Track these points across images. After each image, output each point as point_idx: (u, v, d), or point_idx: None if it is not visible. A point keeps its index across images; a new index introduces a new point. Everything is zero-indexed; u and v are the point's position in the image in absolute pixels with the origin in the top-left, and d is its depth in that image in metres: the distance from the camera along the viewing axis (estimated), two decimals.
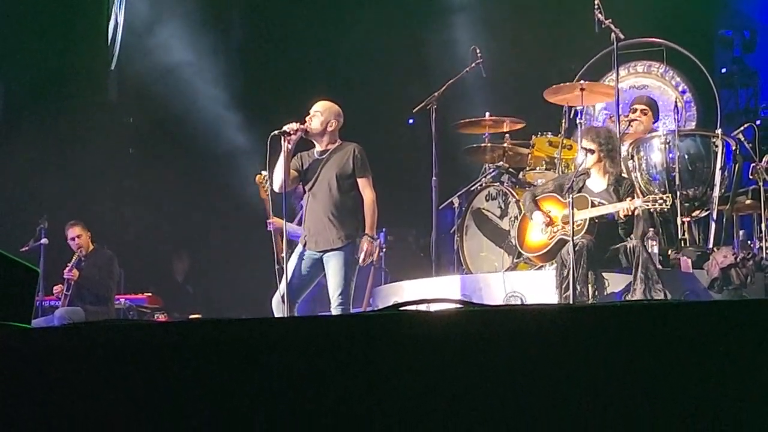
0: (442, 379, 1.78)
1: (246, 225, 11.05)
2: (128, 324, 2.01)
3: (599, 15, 8.32)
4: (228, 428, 1.84)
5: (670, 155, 7.85)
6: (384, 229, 10.06)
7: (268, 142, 6.81)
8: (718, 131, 8.04)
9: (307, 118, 7.07)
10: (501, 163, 8.80)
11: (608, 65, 9.01)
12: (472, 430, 1.75)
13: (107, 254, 10.17)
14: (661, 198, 6.87)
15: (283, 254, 6.90)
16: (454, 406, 1.77)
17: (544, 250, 7.32)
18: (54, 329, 2.52)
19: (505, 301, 7.34)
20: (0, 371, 1.92)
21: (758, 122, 9.35)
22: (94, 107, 12.19)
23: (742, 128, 8.19)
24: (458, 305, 2.03)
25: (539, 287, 7.31)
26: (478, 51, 8.99)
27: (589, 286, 6.81)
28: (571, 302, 6.56)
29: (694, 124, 9.21)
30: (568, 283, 6.70)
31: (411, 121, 11.37)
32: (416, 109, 8.75)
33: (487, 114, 9.01)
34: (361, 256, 6.91)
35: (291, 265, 7.01)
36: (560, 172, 8.18)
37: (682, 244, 7.76)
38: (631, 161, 8.11)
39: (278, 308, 6.89)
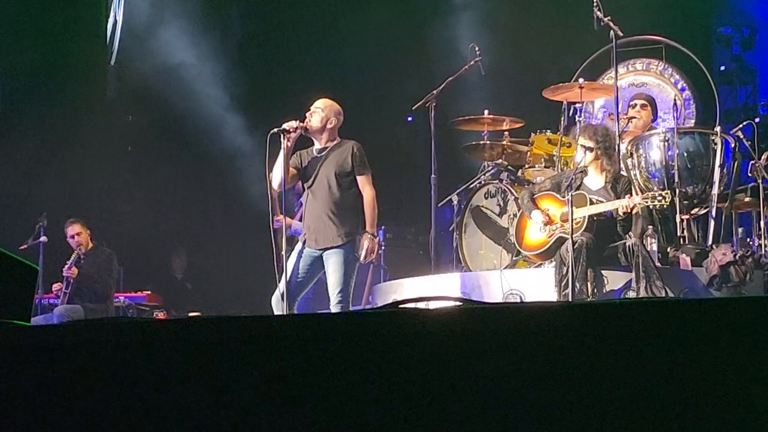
0: (441, 377, 1.78)
1: (245, 222, 11.07)
2: (127, 322, 2.00)
3: (598, 12, 8.32)
4: (227, 425, 1.84)
5: (669, 153, 7.86)
6: (383, 227, 10.05)
7: (267, 140, 6.80)
8: (717, 129, 8.04)
9: (307, 115, 7.07)
10: (500, 160, 8.80)
11: (607, 63, 9.01)
12: (472, 427, 1.75)
13: (106, 252, 10.17)
14: (660, 194, 6.87)
15: (283, 252, 6.90)
16: (454, 404, 1.77)
17: (543, 249, 7.32)
18: (53, 327, 2.52)
19: (504, 298, 7.33)
20: None
21: (757, 120, 9.36)
22: (93, 105, 12.18)
23: (741, 126, 8.19)
24: (457, 303, 2.03)
25: (538, 285, 7.31)
26: (477, 48, 8.99)
27: (588, 283, 6.82)
28: (570, 300, 6.56)
29: (693, 121, 9.21)
30: (568, 280, 6.70)
31: (410, 118, 11.38)
32: (415, 106, 8.75)
33: (486, 112, 9.02)
34: (362, 254, 6.91)
35: (291, 263, 7.00)
36: (559, 170, 8.18)
37: (681, 242, 7.76)
38: (630, 159, 8.12)
39: (278, 306, 6.89)
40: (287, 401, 1.83)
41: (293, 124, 6.88)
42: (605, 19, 8.32)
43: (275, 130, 6.85)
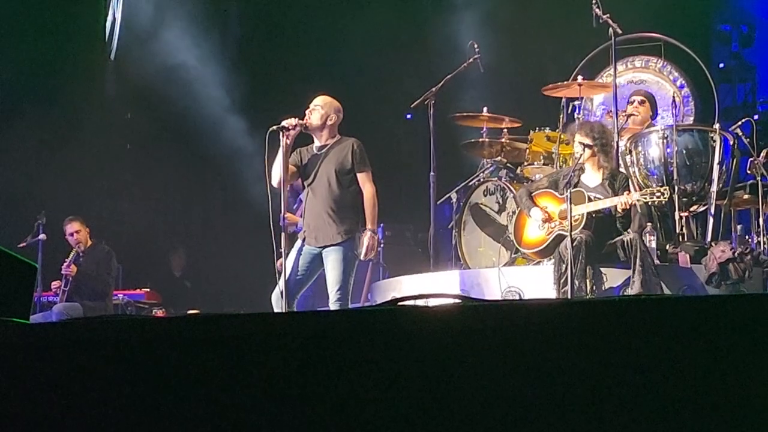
0: (441, 374, 1.78)
1: (244, 220, 11.06)
2: (126, 320, 2.00)
3: (597, 10, 8.32)
4: (226, 423, 1.84)
5: (668, 150, 7.86)
6: (382, 224, 10.05)
7: (266, 138, 6.80)
8: (716, 126, 8.04)
9: (306, 113, 7.06)
10: (499, 158, 8.81)
11: (606, 60, 9.01)
12: (471, 424, 1.75)
13: (105, 250, 10.17)
14: (659, 191, 6.87)
15: (282, 250, 6.89)
16: (453, 401, 1.77)
17: (542, 246, 7.32)
18: (52, 325, 2.52)
19: (503, 296, 7.33)
20: None
21: (756, 117, 9.38)
22: (92, 103, 12.17)
23: (740, 123, 8.18)
24: (456, 300, 2.03)
25: (537, 282, 7.31)
26: (476, 46, 8.99)
27: (587, 280, 6.82)
28: (569, 297, 6.56)
29: (692, 119, 9.21)
30: (567, 278, 6.70)
31: (409, 116, 11.37)
32: (414, 104, 8.75)
33: (485, 109, 9.02)
34: (363, 251, 6.91)
35: (290, 261, 7.01)
36: (558, 167, 8.19)
37: (680, 239, 7.76)
38: (629, 156, 8.12)
39: (277, 303, 6.89)
40: (286, 399, 1.83)
41: (292, 121, 6.88)
42: (604, 17, 8.32)
43: (274, 127, 6.84)
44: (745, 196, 8.22)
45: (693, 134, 8.02)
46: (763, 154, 7.87)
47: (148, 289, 11.14)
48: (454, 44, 10.61)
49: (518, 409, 1.75)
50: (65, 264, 9.82)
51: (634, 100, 8.67)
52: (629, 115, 8.53)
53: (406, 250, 10.76)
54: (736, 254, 7.11)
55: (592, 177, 7.30)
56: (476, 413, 1.75)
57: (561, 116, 8.78)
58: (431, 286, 7.76)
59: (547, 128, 8.78)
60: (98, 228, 10.58)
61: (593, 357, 1.74)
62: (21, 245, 9.97)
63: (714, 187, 7.89)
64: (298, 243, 7.09)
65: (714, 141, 7.89)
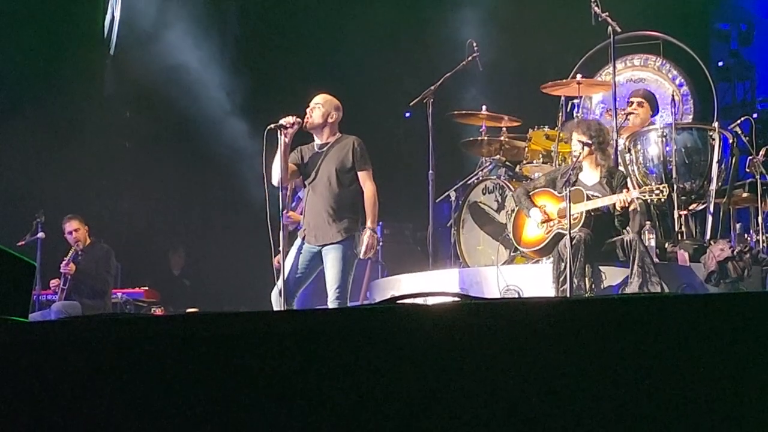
0: (439, 373, 1.78)
1: (243, 219, 11.06)
2: (125, 318, 2.00)
3: (596, 8, 8.33)
4: (225, 421, 1.84)
5: (667, 148, 7.86)
6: (380, 223, 10.06)
7: (264, 136, 6.80)
8: (715, 124, 8.04)
9: (307, 111, 7.06)
10: (498, 156, 8.81)
11: (605, 59, 9.01)
12: (470, 423, 1.75)
13: (104, 248, 10.17)
14: (658, 189, 6.87)
15: (281, 248, 6.90)
16: (452, 399, 1.77)
17: (541, 245, 7.32)
18: (51, 323, 2.52)
19: (502, 294, 7.33)
20: None
21: (755, 115, 9.38)
22: (91, 102, 12.18)
23: (739, 121, 8.19)
24: (455, 299, 2.03)
25: (536, 281, 7.31)
26: (474, 44, 8.99)
27: (586, 279, 6.81)
28: (568, 295, 6.56)
29: (691, 117, 9.22)
30: (566, 276, 6.70)
31: (408, 114, 11.37)
32: (413, 102, 8.75)
33: (484, 107, 9.02)
34: (362, 249, 6.91)
35: (290, 259, 7.01)
36: (557, 166, 8.19)
37: (679, 238, 7.76)
38: (628, 154, 8.12)
39: (277, 302, 6.90)
40: (285, 397, 1.83)
41: (290, 119, 6.88)
42: (603, 15, 8.32)
43: (272, 125, 6.84)
44: (744, 195, 8.22)
45: (692, 132, 8.03)
46: (762, 152, 7.88)
47: (147, 288, 11.14)
48: (453, 43, 10.62)
49: (517, 408, 1.74)
50: (64, 262, 9.82)
51: (632, 102, 8.66)
52: (629, 114, 8.53)
53: (405, 249, 10.77)
54: (735, 253, 7.11)
55: (590, 175, 7.30)
56: (475, 411, 1.75)
57: (560, 114, 8.78)
58: (430, 285, 7.76)
59: (546, 127, 8.79)
60: (97, 226, 10.58)
61: (592, 355, 1.74)
62: (20, 243, 9.97)
63: (713, 186, 7.89)
64: (298, 241, 7.09)
65: (713, 139, 7.90)
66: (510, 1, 11.80)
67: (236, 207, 11.66)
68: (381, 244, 9.79)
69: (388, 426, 1.78)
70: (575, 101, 8.79)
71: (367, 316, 1.88)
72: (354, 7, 12.27)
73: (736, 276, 7.07)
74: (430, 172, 8.47)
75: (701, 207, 8.10)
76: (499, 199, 8.52)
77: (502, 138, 8.85)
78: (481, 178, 8.81)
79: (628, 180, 7.52)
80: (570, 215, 6.77)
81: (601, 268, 6.99)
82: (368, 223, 6.95)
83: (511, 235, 7.76)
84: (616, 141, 7.92)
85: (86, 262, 9.94)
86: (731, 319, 1.72)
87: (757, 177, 7.82)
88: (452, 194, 9.01)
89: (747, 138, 8.02)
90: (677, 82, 9.40)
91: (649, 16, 10.18)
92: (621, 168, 7.88)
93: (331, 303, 6.82)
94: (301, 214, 7.91)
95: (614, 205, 6.97)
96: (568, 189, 6.85)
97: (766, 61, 12.53)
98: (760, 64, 12.54)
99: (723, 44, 12.64)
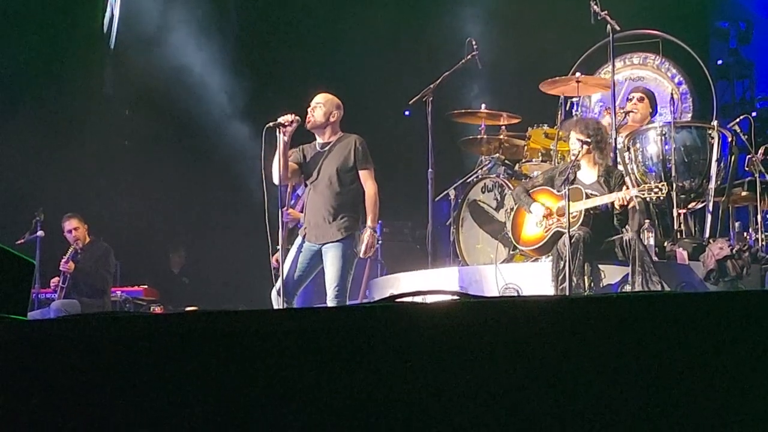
0: (439, 371, 1.78)
1: (243, 217, 11.05)
2: (124, 316, 2.00)
3: (595, 7, 8.33)
4: (224, 419, 1.84)
5: (666, 147, 7.86)
6: (380, 221, 10.06)
7: (263, 134, 6.80)
8: (714, 123, 8.04)
9: (309, 110, 7.07)
10: (497, 154, 8.81)
11: (604, 57, 9.01)
12: (469, 421, 1.75)
13: (103, 246, 10.17)
14: (657, 187, 6.87)
15: (279, 246, 6.90)
16: (450, 398, 1.77)
17: (540, 244, 7.32)
18: (50, 321, 2.52)
19: (501, 293, 7.33)
20: None
21: (754, 114, 9.38)
22: (91, 100, 12.17)
23: (738, 120, 8.19)
24: (454, 297, 2.03)
25: (535, 279, 7.31)
26: (474, 43, 8.99)
27: (586, 277, 6.81)
28: (567, 294, 6.56)
29: (690, 115, 9.21)
30: (565, 275, 6.70)
31: (407, 113, 11.37)
32: (412, 100, 8.75)
33: (483, 106, 9.03)
34: (362, 248, 6.93)
35: (290, 258, 7.03)
36: (555, 164, 8.19)
37: (678, 236, 7.76)
38: (627, 153, 8.12)
39: (277, 300, 6.91)
40: (284, 395, 1.83)
41: (289, 117, 6.88)
42: (602, 14, 8.32)
43: (271, 124, 6.85)
44: (743, 193, 8.22)
45: (691, 131, 8.02)
46: (761, 151, 7.87)
47: (146, 286, 11.14)
48: (453, 41, 10.61)
49: (516, 406, 1.75)
50: (63, 260, 9.82)
51: (633, 97, 8.67)
52: (628, 112, 8.53)
53: (404, 247, 10.77)
54: (734, 251, 7.11)
55: (588, 174, 7.30)
56: (474, 409, 1.75)
57: (559, 113, 8.78)
58: (429, 283, 7.76)
59: (545, 125, 8.79)
60: (97, 225, 10.58)
61: (591, 354, 1.74)
62: (19, 242, 9.97)
63: (712, 184, 7.89)
64: (299, 240, 7.11)
65: (712, 138, 7.89)
66: (509, 0, 11.79)
67: (236, 206, 11.65)
68: (380, 242, 9.79)
69: (387, 424, 1.78)
70: (574, 100, 8.78)
71: (366, 314, 1.88)
72: (353, 6, 12.26)
73: (735, 274, 7.07)
74: (430, 170, 8.47)
75: (700, 205, 8.10)
76: (499, 198, 8.52)
77: (501, 136, 8.86)
78: (480, 177, 8.81)
79: (627, 179, 7.52)
80: (569, 213, 6.77)
81: (600, 266, 6.98)
82: (368, 222, 6.96)
83: (510, 234, 7.76)
84: (615, 139, 7.92)
85: (85, 261, 9.94)
86: (730, 317, 1.72)
87: (756, 175, 7.82)
88: (451, 192, 9.01)
89: (746, 136, 8.01)
90: (676, 80, 9.40)
91: (648, 15, 10.17)
92: (620, 167, 7.88)
93: (331, 302, 6.83)
94: (300, 212, 7.92)
95: (613, 203, 6.97)
96: (567, 187, 6.85)
97: (765, 60, 12.53)
98: (759, 63, 12.53)
99: (722, 43, 12.63)
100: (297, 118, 6.91)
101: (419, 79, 9.16)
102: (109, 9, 12.20)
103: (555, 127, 8.63)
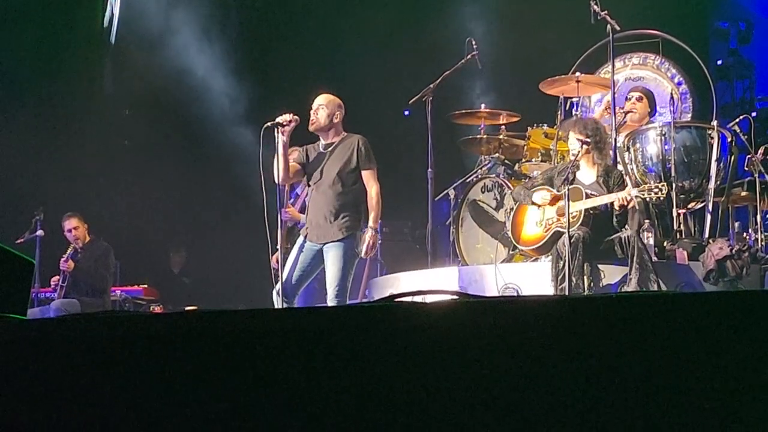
0: (438, 370, 1.78)
1: (243, 217, 11.05)
2: (124, 316, 2.00)
3: (595, 6, 8.32)
4: (224, 419, 1.84)
5: (666, 147, 7.86)
6: (380, 221, 10.06)
7: (261, 134, 6.81)
8: (714, 123, 8.04)
9: (311, 113, 7.08)
10: (497, 154, 8.81)
11: (604, 57, 9.01)
12: (468, 421, 1.75)
13: (103, 246, 10.17)
14: (657, 187, 6.87)
15: (278, 246, 6.90)
16: (450, 397, 1.77)
17: (540, 243, 7.32)
18: (49, 320, 2.52)
19: (501, 292, 7.33)
20: None
21: (754, 114, 9.37)
22: (91, 100, 12.17)
23: (737, 120, 8.19)
24: (454, 297, 2.03)
25: (535, 279, 7.31)
26: (473, 43, 8.98)
27: (585, 277, 6.81)
28: (566, 294, 6.56)
29: (689, 115, 9.21)
30: (564, 274, 6.70)
31: (407, 112, 11.37)
32: (412, 100, 8.74)
33: (483, 106, 9.03)
34: (364, 249, 6.94)
35: (292, 257, 7.04)
36: (555, 164, 8.19)
37: (678, 236, 7.76)
38: (626, 153, 8.11)
39: (277, 300, 6.92)
40: (284, 394, 1.83)
41: (287, 117, 6.89)
42: (602, 13, 8.32)
43: (269, 124, 6.85)
44: (743, 194, 8.22)
45: (691, 131, 8.02)
46: (760, 151, 7.87)
47: (146, 286, 11.14)
48: (453, 41, 10.61)
49: (515, 405, 1.75)
50: (62, 259, 9.82)
51: (631, 97, 8.66)
52: (627, 112, 8.53)
53: (403, 247, 10.77)
54: (733, 251, 7.11)
55: (587, 174, 7.30)
56: (473, 409, 1.76)
57: (559, 113, 8.77)
58: (429, 283, 7.76)
59: (545, 125, 8.78)
60: (97, 224, 10.58)
61: (590, 354, 1.74)
62: (19, 241, 9.97)
63: (712, 184, 7.89)
64: (300, 239, 7.12)
65: (712, 138, 7.89)
66: (509, 0, 11.79)
67: (236, 206, 11.65)
68: (380, 242, 9.78)
69: (387, 423, 1.78)
70: (574, 100, 8.78)
71: (366, 314, 1.88)
72: (353, 6, 12.26)
73: (734, 275, 7.07)
74: (429, 170, 8.47)
75: (700, 205, 8.10)
76: (498, 198, 8.52)
77: (501, 136, 8.86)
78: (480, 177, 8.81)
79: (626, 179, 7.52)
80: (569, 213, 6.77)
81: (599, 266, 6.98)
82: (370, 223, 6.97)
83: (509, 233, 7.76)
84: (615, 139, 7.92)
85: (85, 260, 9.94)
86: (730, 317, 1.72)
87: (756, 176, 7.82)
88: (451, 192, 9.01)
89: (746, 136, 8.01)
90: (676, 80, 9.40)
91: (648, 15, 10.17)
92: (619, 166, 7.87)
93: (331, 301, 6.83)
94: (300, 211, 7.94)
95: (613, 203, 6.97)
96: (566, 187, 6.85)
97: (765, 60, 12.52)
98: (759, 63, 12.53)
99: (722, 43, 12.63)
100: (295, 117, 6.92)
101: (419, 79, 9.16)
102: (109, 9, 12.20)
103: (555, 127, 8.63)
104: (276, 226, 6.85)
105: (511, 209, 7.86)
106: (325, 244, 6.96)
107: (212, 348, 1.87)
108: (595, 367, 1.74)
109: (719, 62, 12.37)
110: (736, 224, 8.29)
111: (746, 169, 8.04)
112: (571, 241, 6.71)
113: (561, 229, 6.95)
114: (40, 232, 10.09)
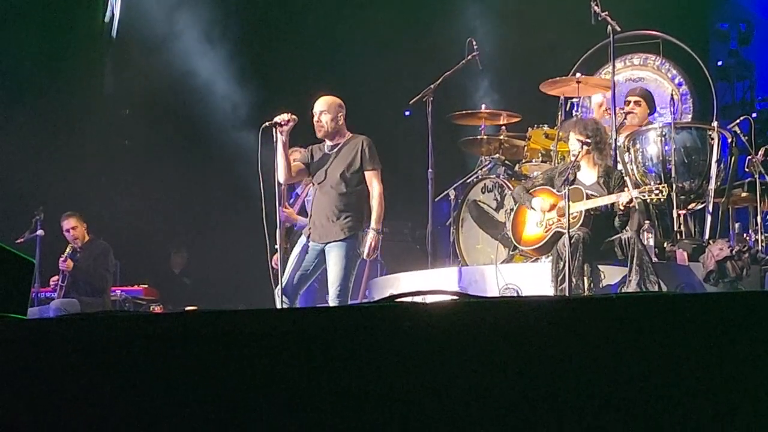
0: (438, 371, 1.78)
1: (244, 217, 11.05)
2: (123, 315, 2.00)
3: (596, 7, 8.32)
4: (224, 419, 1.84)
5: (666, 148, 7.86)
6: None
7: (260, 134, 6.82)
8: (714, 124, 8.03)
9: (315, 122, 7.09)
10: (497, 155, 8.81)
11: (604, 58, 9.01)
12: (468, 421, 1.75)
13: (102, 245, 10.17)
14: (657, 188, 6.87)
15: (277, 246, 6.91)
16: (450, 398, 1.77)
17: (540, 244, 7.32)
18: (49, 320, 2.52)
19: (501, 293, 7.33)
20: None
21: (754, 115, 9.37)
22: (91, 99, 12.17)
23: (738, 121, 8.19)
24: (454, 297, 2.03)
25: (535, 279, 7.31)
26: (474, 43, 8.98)
27: (585, 278, 6.81)
28: (566, 294, 6.56)
29: (690, 116, 9.21)
30: (564, 275, 6.70)
31: (407, 113, 11.37)
32: (413, 100, 8.74)
33: (483, 106, 9.03)
34: (366, 250, 6.94)
35: (294, 257, 7.05)
36: (556, 165, 8.19)
37: (678, 237, 7.76)
38: (627, 154, 8.11)
39: (279, 300, 6.92)
40: (284, 394, 1.83)
41: (285, 116, 6.89)
42: (603, 14, 8.32)
43: (267, 123, 6.87)
44: (743, 194, 8.22)
45: (691, 132, 8.02)
46: (761, 152, 7.87)
47: (146, 286, 11.14)
48: (453, 41, 10.61)
49: (515, 406, 1.75)
50: (61, 259, 9.82)
51: (629, 101, 8.65)
52: (627, 113, 8.53)
53: (404, 247, 10.77)
54: (733, 252, 7.11)
55: (588, 175, 7.30)
56: (473, 409, 1.75)
57: (559, 114, 8.78)
58: (429, 283, 7.76)
59: (546, 125, 8.78)
60: (97, 224, 10.58)
61: (590, 354, 1.74)
62: (19, 241, 9.97)
63: (712, 185, 7.89)
64: (303, 239, 7.13)
65: (712, 139, 7.89)
66: (509, 1, 11.79)
67: (236, 206, 11.65)
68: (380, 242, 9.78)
69: (387, 423, 1.78)
70: (574, 100, 8.78)
71: (366, 314, 1.88)
72: (354, 7, 12.26)
73: (734, 275, 7.06)
74: (430, 170, 8.47)
75: (700, 206, 8.10)
76: (499, 198, 8.52)
77: (501, 137, 8.86)
78: (480, 177, 8.80)
79: (627, 179, 7.52)
80: (569, 214, 6.77)
81: (599, 267, 6.98)
82: (372, 224, 6.98)
83: (510, 234, 7.76)
84: (615, 140, 7.92)
85: (84, 260, 9.94)
86: (730, 318, 1.72)
87: (756, 176, 7.82)
88: (451, 193, 9.01)
89: (746, 137, 8.01)
90: (676, 81, 9.40)
91: (649, 16, 10.17)
92: (620, 167, 7.87)
93: (332, 301, 6.84)
94: (298, 212, 7.95)
95: (615, 204, 6.97)
96: (567, 188, 6.85)
97: (766, 61, 12.53)
98: (759, 64, 12.54)
99: (722, 44, 12.64)
100: (293, 117, 6.93)
101: (419, 80, 9.16)
102: (109, 8, 12.20)
103: (555, 127, 8.63)
104: (275, 226, 6.85)
105: (512, 210, 7.86)
106: (327, 243, 6.96)
107: (212, 348, 1.87)
108: (595, 368, 1.74)
109: (720, 63, 12.38)
110: (737, 225, 8.29)
111: (746, 170, 8.04)
112: (572, 241, 6.71)
113: (561, 230, 6.95)
114: (40, 232, 10.09)
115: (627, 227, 7.14)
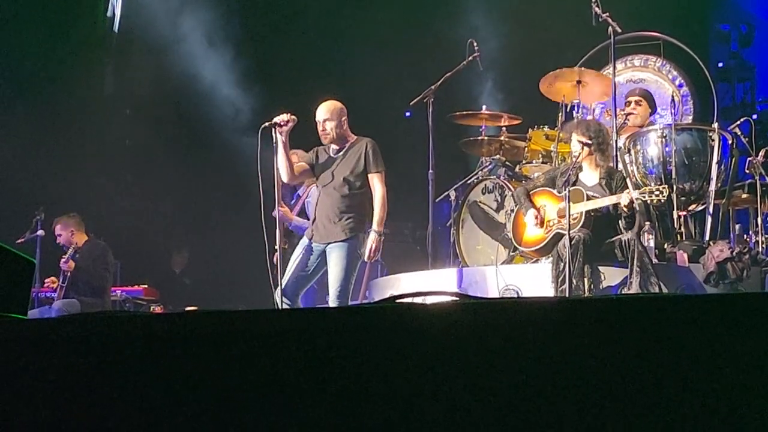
0: (438, 372, 1.78)
1: (244, 217, 11.06)
2: (123, 316, 2.00)
3: (597, 8, 8.32)
4: (224, 420, 1.84)
5: (667, 149, 7.85)
6: None
7: (259, 134, 6.83)
8: (715, 125, 8.03)
9: (319, 131, 7.10)
10: (498, 156, 8.81)
11: (605, 59, 9.01)
12: (468, 421, 1.75)
13: (100, 245, 10.16)
14: (658, 189, 6.86)
15: (277, 247, 6.92)
16: (450, 398, 1.77)
17: (541, 245, 7.32)
18: (49, 320, 2.52)
19: (501, 294, 7.33)
20: None
21: (755, 116, 9.36)
22: (92, 99, 12.17)
23: (738, 122, 8.19)
24: (454, 298, 2.03)
25: (535, 280, 7.31)
26: (475, 44, 8.98)
27: (585, 279, 6.81)
28: (566, 295, 6.55)
29: (690, 118, 9.21)
30: (564, 276, 6.69)
31: (408, 114, 11.37)
32: (413, 101, 8.74)
33: (484, 107, 9.03)
34: (367, 252, 6.95)
35: (296, 257, 7.06)
36: (557, 166, 8.18)
37: (678, 238, 7.76)
38: (627, 155, 8.11)
39: (279, 300, 6.93)
40: (284, 395, 1.83)
41: (284, 117, 6.91)
42: (604, 15, 8.32)
43: (266, 124, 6.88)
44: (744, 196, 8.22)
45: (692, 133, 8.02)
46: (761, 153, 7.87)
47: (147, 286, 11.14)
48: (454, 42, 10.61)
49: (515, 407, 1.75)
50: (63, 259, 9.82)
51: (630, 101, 8.65)
52: (628, 114, 8.52)
53: (404, 248, 10.77)
54: (734, 253, 7.11)
55: (590, 176, 7.30)
56: (473, 410, 1.75)
57: (560, 115, 8.77)
58: (429, 284, 7.76)
59: (546, 126, 8.78)
60: (96, 224, 10.58)
61: (590, 355, 1.74)
62: (19, 241, 9.97)
63: (712, 187, 7.89)
64: (305, 240, 7.14)
65: (713, 140, 7.89)
66: (510, 2, 11.79)
67: (236, 206, 11.65)
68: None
69: (387, 424, 1.78)
70: (575, 101, 8.78)
71: (366, 315, 1.88)
72: (354, 7, 12.26)
73: (735, 277, 7.06)
74: (430, 171, 8.47)
75: (700, 208, 8.10)
76: (499, 199, 8.52)
77: (501, 138, 8.86)
78: (480, 178, 8.81)
79: (628, 181, 7.52)
80: (570, 215, 6.77)
81: (600, 268, 6.98)
82: (374, 226, 7.00)
83: (510, 235, 7.76)
84: (616, 141, 7.92)
85: (83, 260, 9.93)
86: (730, 320, 1.72)
87: (757, 178, 7.82)
88: (452, 194, 9.01)
89: (746, 139, 8.01)
90: (677, 82, 9.40)
91: (650, 17, 10.18)
92: (621, 168, 7.87)
93: (332, 302, 6.84)
94: (298, 213, 7.96)
95: (614, 205, 6.97)
96: (567, 189, 6.85)
97: (766, 63, 12.53)
98: (760, 66, 12.55)
99: (723, 45, 12.64)
100: (293, 117, 6.94)
101: (420, 80, 9.16)
102: (110, 8, 12.20)
103: (556, 128, 8.63)
104: (275, 226, 6.86)
105: (512, 211, 7.86)
106: (328, 244, 6.98)
107: (212, 348, 1.87)
108: (595, 369, 1.73)
109: (720, 64, 12.39)
110: (737, 227, 8.29)
111: (747, 171, 8.04)
112: (572, 242, 6.70)
113: (562, 231, 6.95)
114: (40, 232, 10.10)
115: (627, 229, 7.14)
